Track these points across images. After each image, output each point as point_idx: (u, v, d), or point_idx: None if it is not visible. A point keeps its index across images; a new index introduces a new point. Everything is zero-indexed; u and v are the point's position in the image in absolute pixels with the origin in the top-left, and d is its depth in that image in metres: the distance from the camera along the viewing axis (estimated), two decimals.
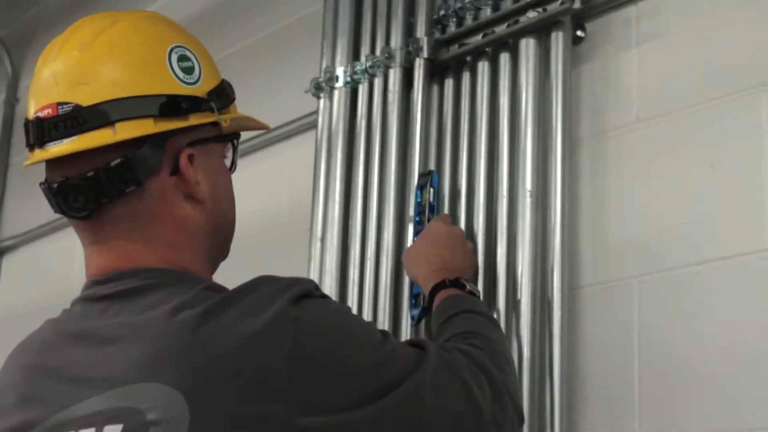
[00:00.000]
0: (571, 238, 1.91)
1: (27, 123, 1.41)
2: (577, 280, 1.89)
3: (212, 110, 1.43)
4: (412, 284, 1.97)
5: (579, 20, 1.99)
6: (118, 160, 1.35)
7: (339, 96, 2.26)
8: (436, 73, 2.13)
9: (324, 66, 2.30)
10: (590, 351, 1.86)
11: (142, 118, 1.36)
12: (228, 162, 1.50)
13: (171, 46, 1.42)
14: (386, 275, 2.07)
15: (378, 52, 2.21)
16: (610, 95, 1.94)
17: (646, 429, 1.76)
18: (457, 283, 1.80)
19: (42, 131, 1.38)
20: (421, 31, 2.13)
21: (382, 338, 1.36)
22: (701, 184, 1.77)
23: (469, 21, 2.10)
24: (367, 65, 2.20)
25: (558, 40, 1.95)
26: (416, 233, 1.99)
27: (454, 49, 2.10)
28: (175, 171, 1.40)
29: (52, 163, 1.40)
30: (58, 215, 1.37)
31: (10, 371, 1.45)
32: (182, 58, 1.42)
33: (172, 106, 1.38)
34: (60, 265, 3.38)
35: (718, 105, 1.78)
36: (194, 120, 1.41)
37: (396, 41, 2.17)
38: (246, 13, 2.83)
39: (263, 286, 1.31)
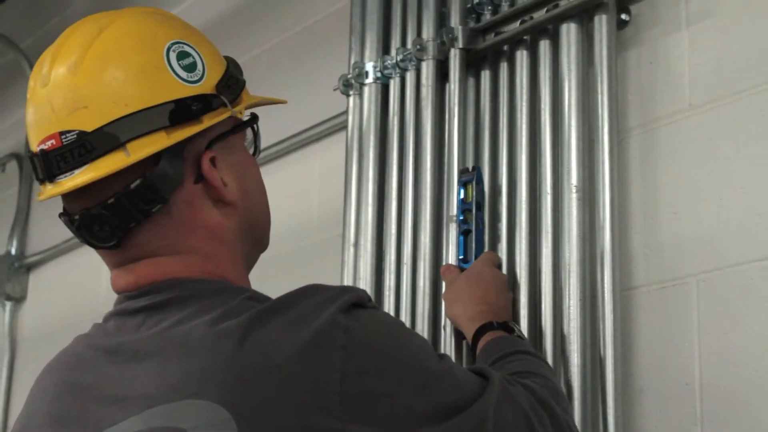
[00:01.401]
0: (622, 236, 1.78)
1: (32, 157, 1.31)
2: (629, 281, 1.77)
3: (225, 104, 1.32)
4: None
5: (623, 3, 1.87)
6: (137, 182, 1.26)
7: (369, 93, 2.14)
8: (471, 64, 2.01)
9: (353, 62, 2.18)
10: (646, 356, 1.73)
11: (153, 133, 1.27)
12: (251, 149, 1.41)
13: (167, 45, 1.31)
14: (424, 280, 1.95)
15: (409, 44, 2.09)
16: (660, 81, 1.81)
17: None
18: (505, 327, 1.68)
19: (50, 165, 1.28)
20: (455, 21, 2.01)
21: (438, 357, 1.29)
22: (764, 172, 1.65)
23: (505, 8, 1.98)
24: (398, 59, 2.09)
25: (602, 25, 1.83)
26: (461, 233, 1.87)
27: (491, 38, 1.98)
28: (199, 178, 1.31)
29: (67, 195, 1.30)
30: None
31: (39, 392, 1.36)
32: (182, 56, 1.31)
33: (181, 111, 1.28)
34: (88, 280, 3.30)
35: None
36: (208, 121, 1.31)
37: (428, 33, 2.05)
38: (270, 14, 2.73)
39: (312, 294, 1.23)
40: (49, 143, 1.28)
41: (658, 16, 1.83)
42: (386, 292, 2.02)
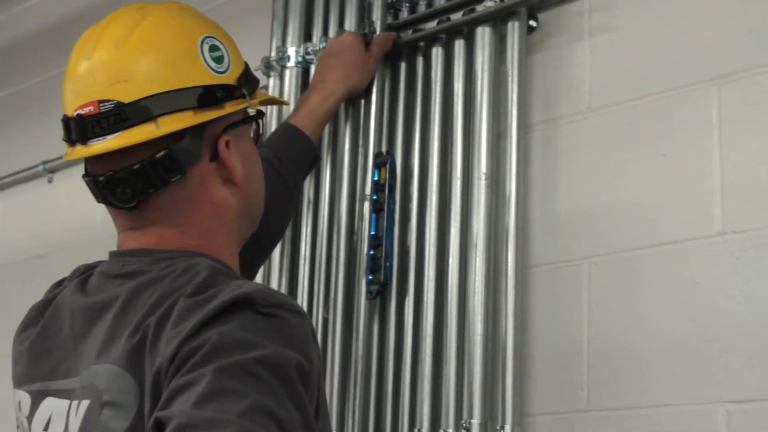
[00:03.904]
0: (524, 220, 1.99)
1: (68, 120, 1.45)
2: (529, 260, 1.98)
3: (244, 96, 1.49)
4: (368, 260, 2.03)
5: (532, 11, 2.07)
6: (162, 153, 1.41)
7: (290, 75, 2.30)
8: (388, 57, 2.18)
9: (275, 46, 2.33)
10: (542, 328, 1.95)
11: (182, 111, 1.42)
12: (254, 139, 1.56)
13: (201, 38, 1.47)
14: (338, 251, 2.13)
15: (331, 34, 2.25)
16: (562, 84, 2.02)
17: (594, 403, 1.86)
18: None
19: (85, 128, 1.42)
20: (375, 15, 2.18)
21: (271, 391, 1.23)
22: (652, 171, 1.87)
23: (422, 8, 2.16)
24: (321, 46, 2.24)
25: (514, 30, 2.03)
26: (373, 210, 2.06)
27: (407, 35, 2.16)
28: (214, 157, 1.46)
29: (95, 157, 1.44)
30: None
31: (68, 302, 1.49)
32: (212, 48, 1.47)
33: (208, 96, 1.44)
34: None
35: (669, 98, 1.88)
36: (229, 108, 1.47)
37: (350, 25, 2.22)
38: None
39: (218, 292, 1.31)
40: (87, 109, 1.42)
41: (563, 26, 2.04)
42: (301, 262, 2.19)
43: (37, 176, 3.17)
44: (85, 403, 1.36)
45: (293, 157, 1.97)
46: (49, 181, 3.14)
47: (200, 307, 1.28)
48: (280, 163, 1.92)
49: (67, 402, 1.40)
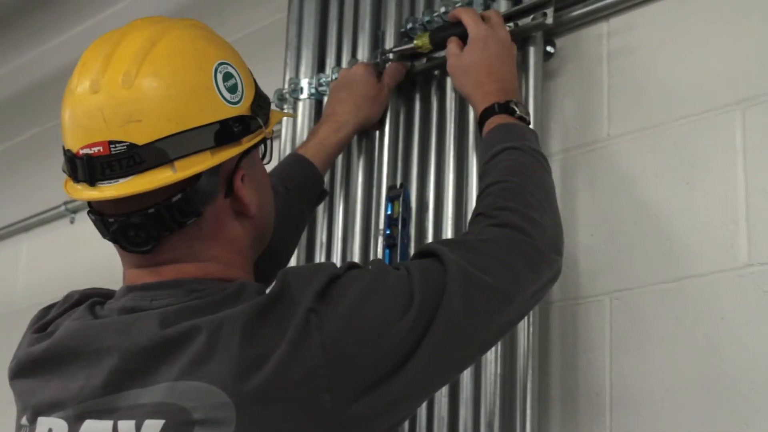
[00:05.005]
0: None
1: (73, 157, 1.36)
2: (547, 296, 1.88)
3: (260, 126, 1.42)
4: None
5: (549, 36, 1.99)
6: (178, 196, 1.34)
7: (304, 108, 2.24)
8: (402, 87, 2.12)
9: (288, 77, 2.27)
10: (561, 367, 1.86)
11: (199, 153, 1.34)
12: (261, 155, 1.50)
13: (215, 66, 1.38)
14: None
15: (344, 64, 2.19)
16: (581, 111, 1.94)
17: None
18: (507, 108, 1.72)
19: (94, 170, 1.34)
20: (389, 44, 2.11)
21: (407, 302, 1.35)
22: (675, 200, 1.78)
23: None
24: (334, 77, 2.18)
25: (530, 56, 1.95)
26: (387, 246, 1.97)
27: (421, 63, 2.09)
28: (229, 193, 1.40)
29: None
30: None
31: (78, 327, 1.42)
32: (226, 77, 1.39)
33: (225, 133, 1.36)
34: (3, 275, 3.33)
35: (691, 123, 1.79)
36: (246, 143, 1.40)
37: (363, 54, 2.16)
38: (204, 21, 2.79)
39: (289, 284, 1.32)
40: (95, 149, 1.33)
41: (582, 50, 1.96)
42: None
43: (59, 217, 3.16)
44: (156, 423, 1.28)
45: (301, 187, 1.91)
46: (72, 222, 3.11)
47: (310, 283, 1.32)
48: (287, 191, 1.87)
49: (109, 423, 1.32)
